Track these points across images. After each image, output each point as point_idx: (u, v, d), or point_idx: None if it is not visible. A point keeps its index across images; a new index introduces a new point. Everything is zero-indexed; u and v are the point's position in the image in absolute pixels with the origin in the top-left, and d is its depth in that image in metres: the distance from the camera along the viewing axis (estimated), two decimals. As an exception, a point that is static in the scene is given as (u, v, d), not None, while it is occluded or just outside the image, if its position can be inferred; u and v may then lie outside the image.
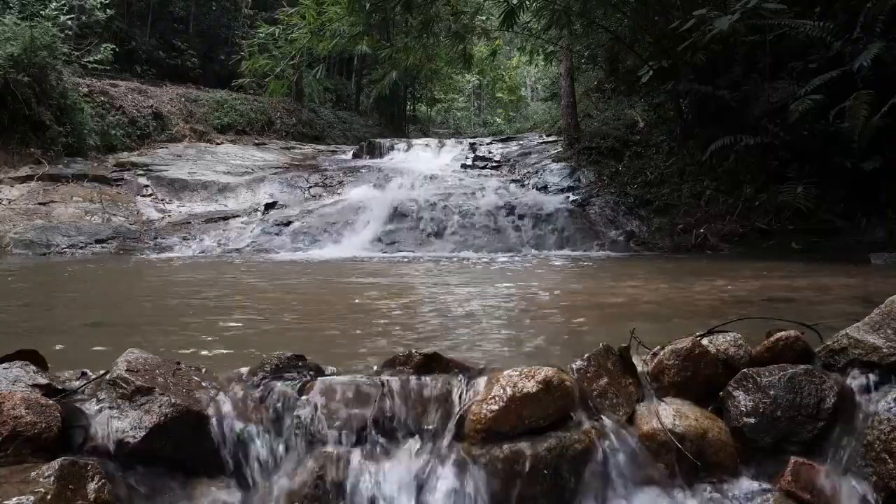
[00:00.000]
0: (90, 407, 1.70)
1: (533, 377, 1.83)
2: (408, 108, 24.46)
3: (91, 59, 13.20)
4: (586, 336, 2.70)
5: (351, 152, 14.11)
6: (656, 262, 7.26)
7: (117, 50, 14.13)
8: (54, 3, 12.22)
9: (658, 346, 2.10)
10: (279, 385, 1.83)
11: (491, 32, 13.08)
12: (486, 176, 11.62)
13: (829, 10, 7.71)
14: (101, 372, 1.80)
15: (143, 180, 10.89)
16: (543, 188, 10.70)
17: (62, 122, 11.11)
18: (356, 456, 1.75)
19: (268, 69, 10.49)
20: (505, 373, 1.87)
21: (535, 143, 13.71)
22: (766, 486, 1.87)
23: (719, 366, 2.05)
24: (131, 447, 1.63)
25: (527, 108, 26.77)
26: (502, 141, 14.42)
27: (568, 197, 10.08)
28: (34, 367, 1.77)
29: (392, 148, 13.58)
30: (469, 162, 12.51)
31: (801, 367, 1.97)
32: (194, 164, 12.05)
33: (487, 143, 14.03)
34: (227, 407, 1.76)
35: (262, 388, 1.82)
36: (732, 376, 2.01)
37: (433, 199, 9.86)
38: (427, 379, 1.88)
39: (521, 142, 14.05)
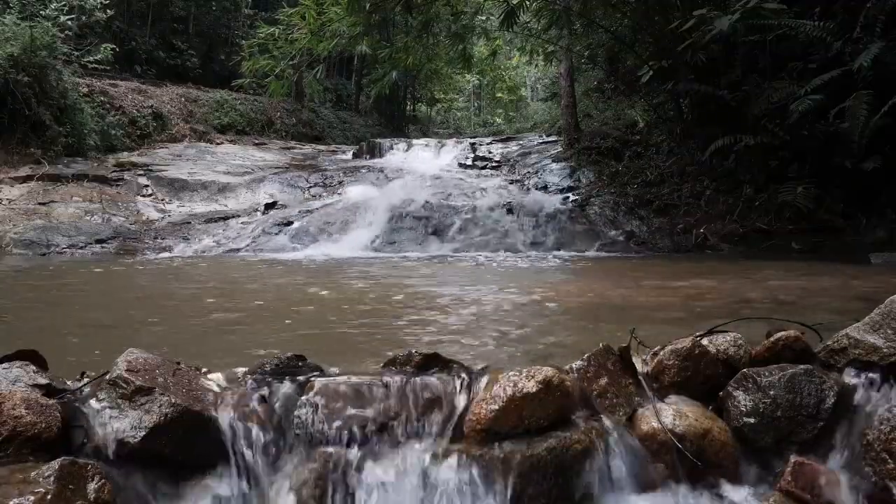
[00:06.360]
0: (90, 407, 1.70)
1: (533, 377, 1.83)
2: (408, 108, 24.47)
3: (91, 59, 13.16)
4: (586, 336, 2.70)
5: (351, 152, 14.11)
6: (656, 263, 7.26)
7: (117, 50, 14.10)
8: (54, 3, 12.18)
9: (658, 346, 2.10)
10: (279, 385, 1.83)
11: (491, 32, 13.07)
12: (486, 176, 11.61)
13: (829, 10, 7.71)
14: (101, 372, 1.80)
15: (143, 180, 10.87)
16: (543, 188, 10.69)
17: (62, 122, 11.09)
18: (357, 456, 1.75)
19: (268, 69, 10.45)
20: (505, 373, 1.87)
21: (535, 143, 13.70)
22: (766, 486, 1.88)
23: (719, 366, 2.05)
24: (131, 447, 1.63)
25: (527, 108, 26.76)
26: (502, 141, 14.40)
27: (568, 197, 10.07)
28: (34, 367, 1.77)
29: (392, 148, 13.57)
30: (469, 162, 12.50)
31: (801, 367, 1.97)
32: (194, 164, 12.04)
33: (487, 143, 14.02)
34: (227, 407, 1.76)
35: (262, 388, 1.82)
36: (732, 376, 2.01)
37: (433, 199, 9.85)
38: (427, 379, 1.88)
39: (521, 142, 14.03)
